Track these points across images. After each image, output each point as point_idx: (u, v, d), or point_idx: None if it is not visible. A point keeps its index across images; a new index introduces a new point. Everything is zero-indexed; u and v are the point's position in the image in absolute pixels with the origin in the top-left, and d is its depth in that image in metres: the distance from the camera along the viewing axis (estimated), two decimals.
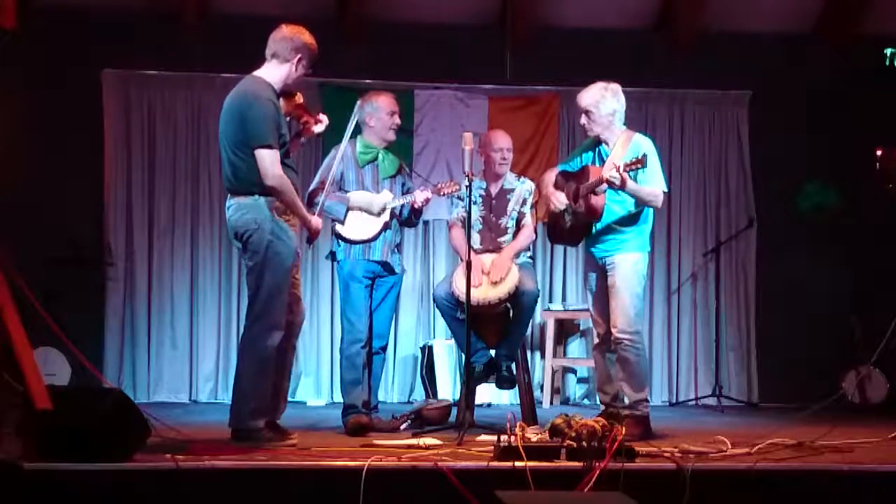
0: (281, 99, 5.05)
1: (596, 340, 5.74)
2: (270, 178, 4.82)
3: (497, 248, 6.04)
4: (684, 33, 8.49)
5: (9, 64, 7.57)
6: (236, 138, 4.89)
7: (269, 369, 4.95)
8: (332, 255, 5.97)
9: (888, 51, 7.17)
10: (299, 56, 4.97)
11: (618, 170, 5.21)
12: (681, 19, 8.49)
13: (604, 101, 5.49)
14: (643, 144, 5.49)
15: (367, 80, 7.99)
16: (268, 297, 4.89)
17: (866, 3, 8.41)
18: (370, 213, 5.80)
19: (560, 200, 5.63)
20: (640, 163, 5.23)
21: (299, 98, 5.18)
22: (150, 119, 8.23)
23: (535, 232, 6.35)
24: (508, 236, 6.10)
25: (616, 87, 5.55)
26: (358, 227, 5.82)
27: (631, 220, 5.52)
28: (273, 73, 5.00)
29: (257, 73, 5.03)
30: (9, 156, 7.44)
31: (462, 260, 5.80)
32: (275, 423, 5.06)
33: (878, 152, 6.70)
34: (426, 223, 8.15)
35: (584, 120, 5.56)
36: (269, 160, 4.81)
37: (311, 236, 5.25)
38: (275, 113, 4.89)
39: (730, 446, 4.70)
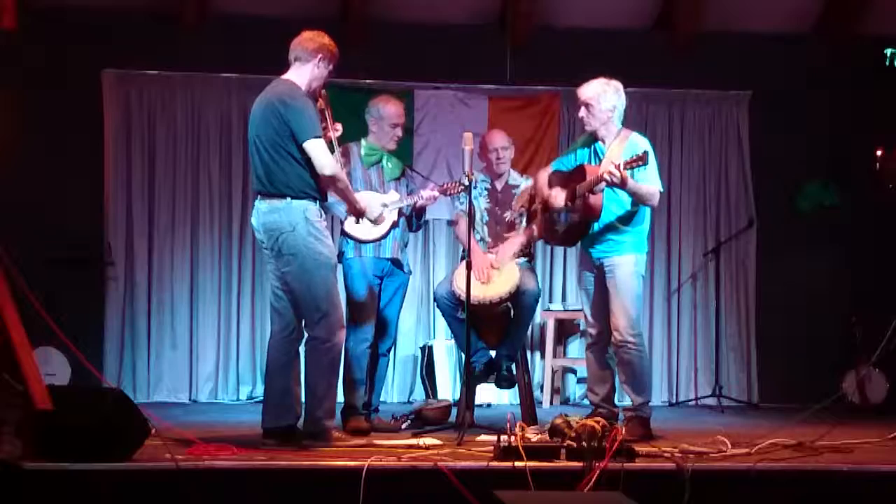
0: None
1: (589, 341, 5.70)
2: (328, 166, 4.91)
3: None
4: (684, 33, 8.49)
5: (9, 64, 7.59)
6: (272, 140, 4.92)
7: (338, 368, 5.08)
8: (341, 255, 5.93)
9: (888, 51, 7.16)
10: (319, 56, 5.01)
11: (617, 167, 5.18)
12: (681, 19, 8.48)
13: (605, 96, 5.46)
14: (641, 143, 5.46)
15: (368, 81, 8.00)
16: (325, 297, 4.91)
17: (866, 3, 8.41)
18: (369, 220, 5.76)
19: (559, 200, 5.61)
20: (642, 160, 5.18)
21: (321, 104, 5.20)
22: (150, 119, 8.22)
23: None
24: (517, 231, 6.11)
25: (618, 85, 5.52)
26: (366, 225, 5.79)
27: (629, 219, 5.49)
28: (298, 75, 5.04)
29: (283, 77, 5.07)
30: (9, 156, 7.44)
31: (466, 253, 5.80)
32: (293, 427, 5.02)
33: (878, 152, 6.70)
34: (426, 223, 8.14)
35: (583, 113, 5.52)
36: (321, 150, 4.90)
37: (357, 214, 5.35)
38: (313, 107, 4.98)
39: (730, 446, 4.70)
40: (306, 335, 5.02)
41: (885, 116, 7.98)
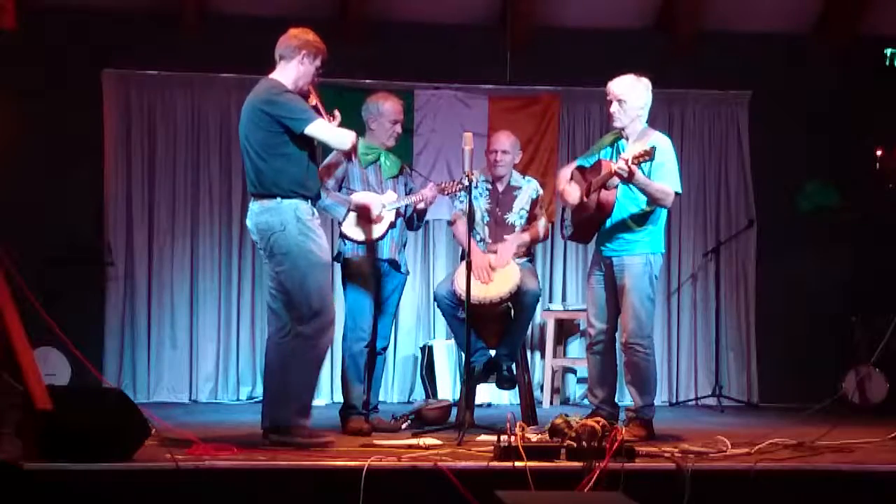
0: None
1: (588, 341, 5.66)
2: (341, 141, 4.97)
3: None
4: (684, 33, 8.49)
5: (9, 64, 7.59)
6: (258, 140, 4.92)
7: (318, 369, 5.03)
8: (339, 255, 5.94)
9: (888, 51, 7.17)
10: (303, 52, 4.99)
11: (626, 162, 5.15)
12: (681, 19, 8.49)
13: (637, 92, 5.45)
14: (661, 142, 5.40)
15: (368, 80, 7.99)
16: (317, 298, 4.89)
17: (866, 3, 8.41)
18: (366, 218, 5.77)
19: (573, 196, 5.57)
20: (648, 154, 5.15)
21: (312, 100, 5.18)
22: (150, 119, 8.22)
23: (548, 233, 6.34)
24: (516, 233, 6.10)
25: (648, 83, 5.51)
26: (363, 226, 5.80)
27: (643, 219, 5.43)
28: (283, 73, 5.03)
29: (269, 76, 5.06)
30: (9, 156, 7.44)
31: (465, 253, 5.79)
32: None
33: (878, 152, 6.72)
34: (426, 223, 8.14)
35: (614, 108, 5.46)
36: (325, 129, 4.92)
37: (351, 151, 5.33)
38: (299, 96, 4.96)
39: (730, 446, 4.70)
40: (294, 330, 4.99)
41: (885, 116, 7.98)
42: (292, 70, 5.01)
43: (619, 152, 5.50)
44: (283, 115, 4.87)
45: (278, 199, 4.89)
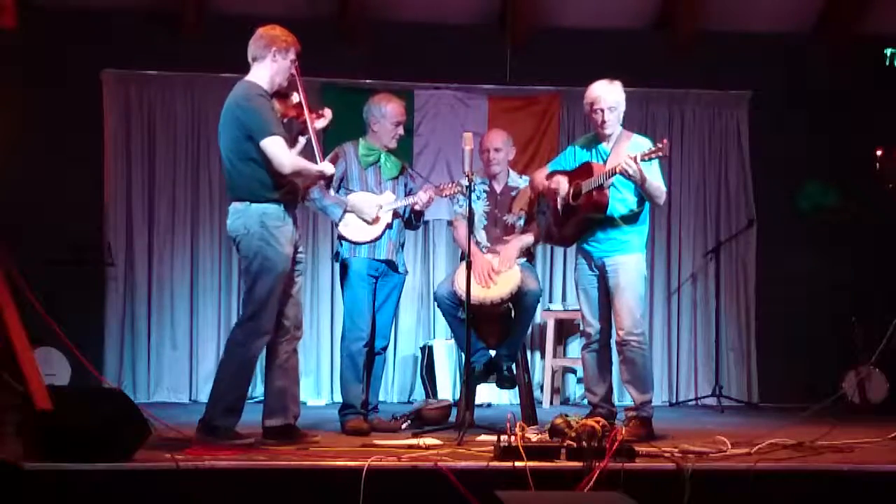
0: (275, 101, 5.04)
1: (585, 341, 5.68)
2: (284, 164, 4.86)
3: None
4: (684, 33, 8.49)
5: (9, 64, 7.59)
6: (232, 145, 4.94)
7: (249, 372, 4.98)
8: (337, 255, 5.96)
9: (888, 51, 7.16)
10: (273, 49, 4.99)
11: (634, 160, 5.16)
12: (681, 19, 8.49)
13: (623, 97, 5.50)
14: (646, 143, 5.44)
15: (368, 81, 8.00)
16: (258, 303, 4.89)
17: (866, 3, 8.41)
18: (363, 220, 5.79)
19: (563, 187, 5.54)
20: (662, 150, 5.16)
21: (295, 98, 5.15)
22: (150, 119, 8.23)
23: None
24: (518, 234, 6.09)
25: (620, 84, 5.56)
26: (360, 227, 5.81)
27: (634, 219, 5.47)
28: (257, 74, 5.03)
29: (245, 78, 5.05)
30: (9, 156, 7.44)
31: (465, 256, 5.79)
32: (291, 426, 5.02)
33: (878, 152, 6.70)
34: (426, 223, 8.14)
35: (608, 116, 5.46)
36: (276, 148, 4.84)
37: (327, 180, 5.31)
38: (269, 106, 4.93)
39: (730, 446, 4.71)
40: (233, 330, 5.04)
41: (885, 116, 7.98)
42: (266, 69, 5.01)
43: (600, 154, 5.53)
44: (247, 123, 4.87)
45: (247, 202, 4.91)
